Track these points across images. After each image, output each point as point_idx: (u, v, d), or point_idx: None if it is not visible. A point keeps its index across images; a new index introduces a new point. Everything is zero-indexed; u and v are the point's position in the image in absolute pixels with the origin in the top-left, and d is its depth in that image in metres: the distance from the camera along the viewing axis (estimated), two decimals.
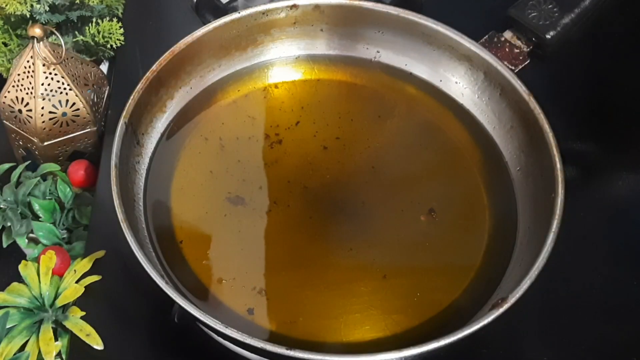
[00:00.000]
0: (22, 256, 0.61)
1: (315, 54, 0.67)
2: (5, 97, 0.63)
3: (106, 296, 0.56)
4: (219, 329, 0.44)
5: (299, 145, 0.61)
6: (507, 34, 0.67)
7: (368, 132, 0.62)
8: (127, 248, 0.47)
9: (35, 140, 0.64)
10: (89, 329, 0.53)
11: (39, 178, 0.63)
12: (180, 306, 0.45)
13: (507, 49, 0.66)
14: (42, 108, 0.62)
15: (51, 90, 0.62)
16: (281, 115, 0.63)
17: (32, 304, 0.55)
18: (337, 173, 0.59)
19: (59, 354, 0.53)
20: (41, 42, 0.60)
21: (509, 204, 0.57)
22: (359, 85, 0.65)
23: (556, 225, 0.50)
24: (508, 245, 0.54)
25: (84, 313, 0.54)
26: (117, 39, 0.69)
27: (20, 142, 0.66)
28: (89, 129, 0.66)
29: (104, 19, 0.69)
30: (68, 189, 0.63)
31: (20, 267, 0.56)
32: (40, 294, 0.55)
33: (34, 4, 0.63)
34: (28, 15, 0.64)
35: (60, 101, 0.63)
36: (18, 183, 0.63)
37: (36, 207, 0.61)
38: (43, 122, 0.63)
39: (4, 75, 0.69)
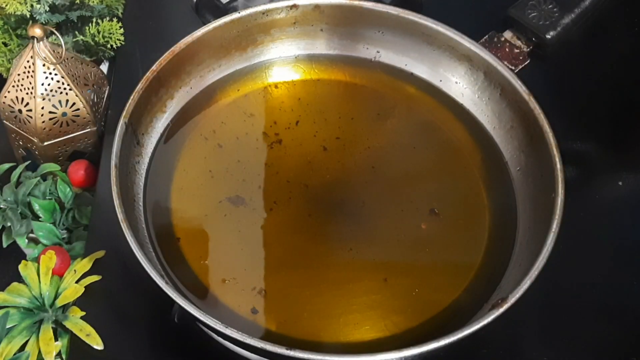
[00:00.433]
0: (22, 256, 0.61)
1: (315, 53, 0.67)
2: (5, 97, 0.63)
3: (106, 296, 0.56)
4: (219, 329, 0.44)
5: (299, 145, 0.61)
6: (507, 34, 0.67)
7: (368, 132, 0.62)
8: (127, 248, 0.47)
9: (35, 140, 0.64)
10: (89, 329, 0.53)
11: (39, 178, 0.63)
12: (180, 306, 0.45)
13: (507, 49, 0.66)
14: (42, 108, 0.62)
15: (51, 90, 0.62)
16: (281, 115, 0.63)
17: (32, 304, 0.55)
18: (337, 173, 0.59)
19: (59, 354, 0.53)
20: (41, 42, 0.60)
21: (509, 204, 0.57)
22: (359, 85, 0.65)
23: (556, 225, 0.50)
24: (508, 245, 0.54)
25: (84, 313, 0.54)
26: (117, 39, 0.69)
27: (20, 142, 0.66)
28: (89, 129, 0.66)
29: (104, 19, 0.69)
30: (68, 189, 0.63)
31: (20, 267, 0.56)
32: (40, 294, 0.55)
33: (34, 4, 0.63)
34: (28, 15, 0.64)
35: (60, 101, 0.63)
36: (18, 183, 0.63)
37: (36, 207, 0.61)
38: (43, 122, 0.63)
39: (4, 75, 0.69)
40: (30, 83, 0.61)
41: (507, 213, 0.57)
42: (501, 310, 0.46)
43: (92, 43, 0.70)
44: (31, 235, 0.61)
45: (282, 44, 0.66)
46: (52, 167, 0.64)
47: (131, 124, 0.56)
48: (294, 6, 0.63)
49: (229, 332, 0.44)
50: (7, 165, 0.64)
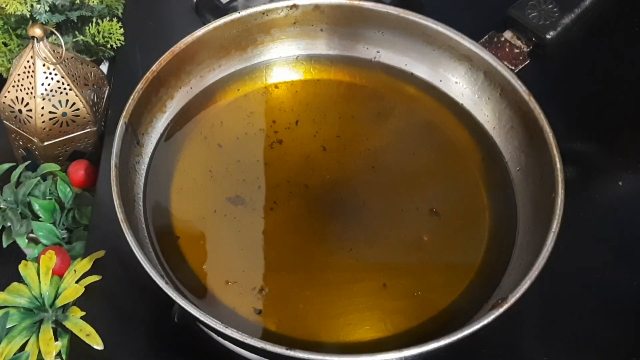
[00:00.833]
0: (22, 256, 0.61)
1: (315, 54, 0.67)
2: (5, 97, 0.63)
3: (106, 296, 0.56)
4: (218, 329, 0.44)
5: (299, 145, 0.61)
6: (507, 34, 0.67)
7: (368, 132, 0.62)
8: (127, 248, 0.47)
9: (35, 140, 0.64)
10: (89, 329, 0.53)
11: (39, 178, 0.63)
12: (180, 306, 0.45)
13: (507, 49, 0.66)
14: (42, 108, 0.62)
15: (51, 90, 0.62)
16: (281, 115, 0.63)
17: (32, 304, 0.55)
18: (337, 173, 0.59)
19: (59, 354, 0.53)
20: (41, 42, 0.60)
21: (509, 204, 0.57)
22: (359, 85, 0.65)
23: (556, 225, 0.50)
24: (508, 245, 0.54)
25: (84, 313, 0.54)
26: (117, 39, 0.69)
27: (20, 142, 0.66)
28: (89, 129, 0.66)
29: (104, 19, 0.69)
30: (68, 189, 0.63)
31: (20, 267, 0.56)
32: (40, 294, 0.55)
33: (34, 4, 0.63)
34: (28, 15, 0.64)
35: (60, 101, 0.63)
36: (18, 183, 0.63)
37: (36, 207, 0.61)
38: (43, 122, 0.63)
39: (4, 75, 0.69)
40: (30, 83, 0.61)
41: (507, 213, 0.57)
42: (501, 310, 0.46)
43: (92, 43, 0.70)
44: (31, 235, 0.61)
45: (282, 44, 0.66)
46: (52, 167, 0.64)
47: (131, 124, 0.56)
48: (294, 6, 0.63)
49: (228, 332, 0.44)
50: (7, 165, 0.64)
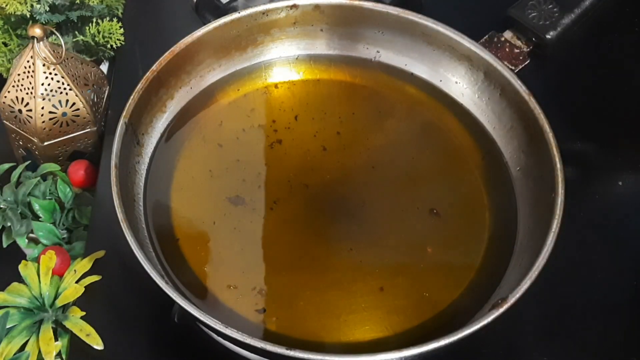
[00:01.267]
0: (22, 256, 0.61)
1: (315, 54, 0.67)
2: (5, 97, 0.63)
3: (106, 296, 0.56)
4: (218, 329, 0.44)
5: (299, 145, 0.61)
6: (507, 34, 0.67)
7: (368, 132, 0.62)
8: (127, 248, 0.47)
9: (35, 140, 0.64)
10: (89, 329, 0.53)
11: (39, 178, 0.63)
12: (180, 306, 0.45)
13: (507, 49, 0.66)
14: (42, 108, 0.62)
15: (51, 90, 0.62)
16: (281, 115, 0.63)
17: (32, 304, 0.55)
18: (337, 173, 0.59)
19: (59, 354, 0.53)
20: (41, 42, 0.60)
21: (509, 204, 0.57)
22: (359, 85, 0.65)
23: (556, 225, 0.50)
24: (508, 245, 0.54)
25: (84, 313, 0.54)
26: (117, 39, 0.69)
27: (20, 142, 0.66)
28: (89, 129, 0.66)
29: (104, 19, 0.69)
30: (68, 189, 0.63)
31: (20, 267, 0.56)
32: (40, 294, 0.55)
33: (34, 4, 0.63)
34: (28, 15, 0.64)
35: (60, 101, 0.63)
36: (18, 183, 0.63)
37: (36, 207, 0.61)
38: (43, 122, 0.63)
39: (4, 75, 0.69)
40: (30, 83, 0.61)
41: (507, 213, 0.57)
42: (501, 310, 0.46)
43: (92, 43, 0.70)
44: (31, 235, 0.61)
45: (282, 44, 0.66)
46: (52, 167, 0.64)
47: (131, 124, 0.56)
48: (294, 6, 0.63)
49: (228, 332, 0.44)
50: (7, 165, 0.64)
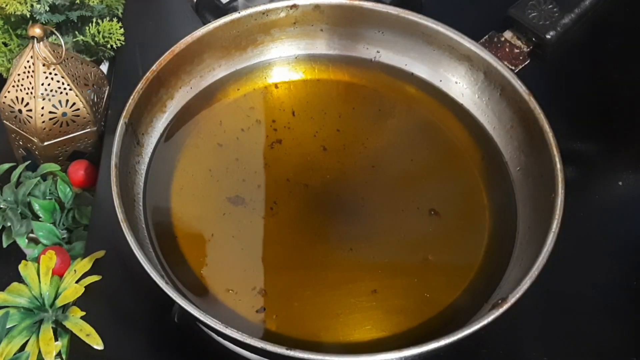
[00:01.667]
0: (22, 256, 0.61)
1: (315, 54, 0.67)
2: (5, 97, 0.63)
3: (106, 296, 0.56)
4: (218, 329, 0.44)
5: (298, 144, 0.61)
6: (507, 34, 0.67)
7: (368, 132, 0.62)
8: (127, 248, 0.47)
9: (35, 140, 0.64)
10: (89, 329, 0.53)
11: (39, 178, 0.63)
12: (180, 306, 0.45)
13: (507, 49, 0.66)
14: (42, 108, 0.62)
15: (51, 90, 0.62)
16: (281, 115, 0.63)
17: (32, 304, 0.55)
18: (337, 173, 0.59)
19: (59, 354, 0.53)
20: (41, 42, 0.60)
21: (509, 204, 0.57)
22: (359, 85, 0.65)
23: (556, 225, 0.50)
24: (508, 245, 0.54)
25: (84, 313, 0.54)
26: (117, 39, 0.69)
27: (20, 142, 0.66)
28: (89, 129, 0.66)
29: (104, 19, 0.69)
30: (68, 189, 0.63)
31: (20, 267, 0.56)
32: (40, 294, 0.55)
33: (34, 4, 0.63)
34: (28, 15, 0.64)
35: (60, 101, 0.63)
36: (18, 183, 0.63)
37: (36, 207, 0.61)
38: (43, 122, 0.63)
39: (4, 75, 0.69)
40: (30, 83, 0.61)
41: (507, 213, 0.57)
42: (501, 310, 0.46)
43: (92, 43, 0.70)
44: (31, 235, 0.61)
45: (282, 44, 0.66)
46: (52, 167, 0.64)
47: (131, 124, 0.56)
48: (294, 6, 0.63)
49: (228, 332, 0.44)
50: (7, 165, 0.64)
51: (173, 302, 0.46)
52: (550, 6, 0.67)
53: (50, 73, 0.61)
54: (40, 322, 0.54)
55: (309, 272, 0.54)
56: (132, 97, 0.56)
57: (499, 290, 0.52)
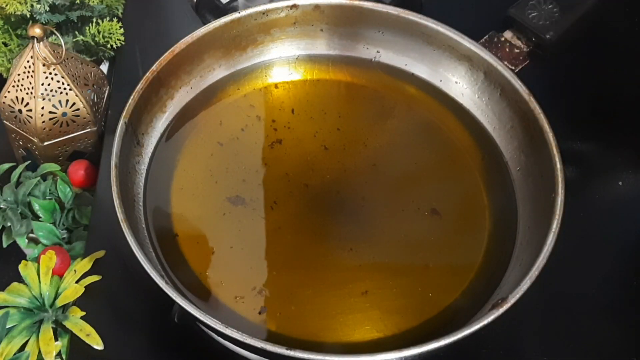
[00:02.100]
0: (22, 256, 0.61)
1: (315, 54, 0.67)
2: (5, 97, 0.63)
3: (106, 296, 0.56)
4: (218, 329, 0.44)
5: (299, 144, 0.61)
6: (507, 34, 0.67)
7: (368, 132, 0.62)
8: (127, 248, 0.47)
9: (35, 140, 0.64)
10: (89, 329, 0.53)
11: (39, 178, 0.63)
12: (180, 306, 0.45)
13: (507, 49, 0.66)
14: (42, 108, 0.62)
15: (51, 90, 0.62)
16: (281, 114, 0.63)
17: (32, 304, 0.55)
18: (337, 173, 0.59)
19: (59, 354, 0.53)
20: (41, 42, 0.60)
21: (509, 204, 0.57)
22: (359, 85, 0.65)
23: (556, 225, 0.50)
24: (508, 245, 0.54)
25: (84, 313, 0.54)
26: (117, 39, 0.69)
27: (20, 142, 0.66)
28: (89, 129, 0.66)
29: (104, 19, 0.69)
30: (68, 189, 0.63)
31: (20, 267, 0.56)
32: (40, 294, 0.55)
33: (34, 4, 0.63)
34: (28, 15, 0.64)
35: (60, 101, 0.63)
36: (18, 183, 0.63)
37: (36, 207, 0.61)
38: (43, 122, 0.63)
39: (4, 75, 0.69)
40: (30, 83, 0.61)
41: (507, 213, 0.57)
42: (501, 310, 0.46)
43: (92, 43, 0.70)
44: (31, 235, 0.61)
45: (282, 44, 0.66)
46: (52, 167, 0.64)
47: (131, 124, 0.56)
48: (294, 6, 0.63)
49: (228, 332, 0.44)
50: (7, 165, 0.64)
51: (173, 302, 0.46)
52: (550, 6, 0.67)
53: (50, 73, 0.61)
54: (40, 322, 0.54)
55: (309, 272, 0.54)
56: (132, 97, 0.56)
57: (499, 290, 0.52)
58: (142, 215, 0.55)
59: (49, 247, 0.59)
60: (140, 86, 0.57)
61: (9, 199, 0.61)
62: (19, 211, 0.61)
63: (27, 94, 0.62)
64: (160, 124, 0.61)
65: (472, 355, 0.54)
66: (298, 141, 0.61)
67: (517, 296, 0.46)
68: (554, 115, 0.56)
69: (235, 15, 0.62)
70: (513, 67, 0.64)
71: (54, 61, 0.61)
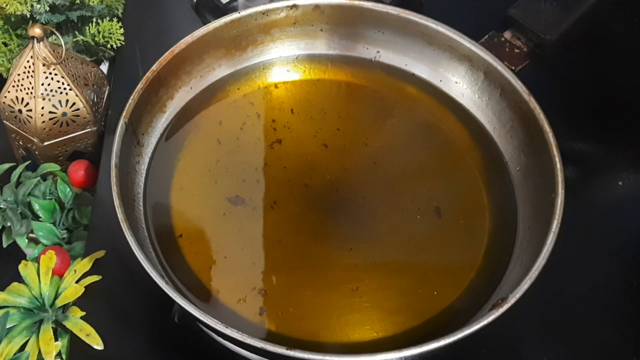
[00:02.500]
0: (22, 256, 0.61)
1: (315, 54, 0.67)
2: (5, 97, 0.63)
3: (106, 296, 0.56)
4: (218, 329, 0.44)
5: (299, 144, 0.61)
6: (507, 34, 0.67)
7: (368, 132, 0.62)
8: (127, 248, 0.47)
9: (35, 140, 0.64)
10: (89, 329, 0.53)
11: (39, 178, 0.63)
12: (180, 306, 0.45)
13: (507, 49, 0.66)
14: (42, 108, 0.62)
15: (51, 90, 0.62)
16: (281, 114, 0.63)
17: (32, 304, 0.55)
18: (337, 173, 0.59)
19: (59, 354, 0.53)
20: (41, 42, 0.60)
21: (509, 204, 0.57)
22: (359, 85, 0.65)
23: (556, 225, 0.50)
24: (508, 245, 0.54)
25: (84, 313, 0.54)
26: (117, 39, 0.69)
27: (20, 142, 0.66)
28: (89, 129, 0.66)
29: (104, 19, 0.69)
30: (68, 189, 0.63)
31: (20, 267, 0.56)
32: (40, 294, 0.55)
33: (34, 4, 0.63)
34: (28, 15, 0.64)
35: (60, 101, 0.63)
36: (18, 183, 0.63)
37: (36, 207, 0.61)
38: (43, 122, 0.63)
39: (4, 75, 0.69)
40: (30, 83, 0.61)
41: (507, 213, 0.57)
42: (501, 310, 0.46)
43: (92, 43, 0.70)
44: (31, 235, 0.61)
45: (282, 44, 0.66)
46: (52, 167, 0.64)
47: (131, 124, 0.56)
48: (294, 6, 0.63)
49: (228, 332, 0.44)
50: (7, 165, 0.64)
51: (173, 302, 0.46)
52: (551, 6, 0.67)
53: (50, 73, 0.61)
54: (40, 322, 0.54)
55: (309, 272, 0.54)
56: (132, 97, 0.56)
57: (499, 290, 0.52)
58: (142, 215, 0.55)
59: (49, 247, 0.59)
60: (140, 86, 0.57)
61: (9, 199, 0.61)
62: (19, 211, 0.61)
63: (27, 94, 0.62)
64: (160, 123, 0.61)
65: (472, 355, 0.54)
66: (298, 141, 0.61)
67: (517, 296, 0.46)
68: (554, 115, 0.56)
69: (235, 15, 0.62)
70: (513, 67, 0.64)
71: (54, 61, 0.61)
